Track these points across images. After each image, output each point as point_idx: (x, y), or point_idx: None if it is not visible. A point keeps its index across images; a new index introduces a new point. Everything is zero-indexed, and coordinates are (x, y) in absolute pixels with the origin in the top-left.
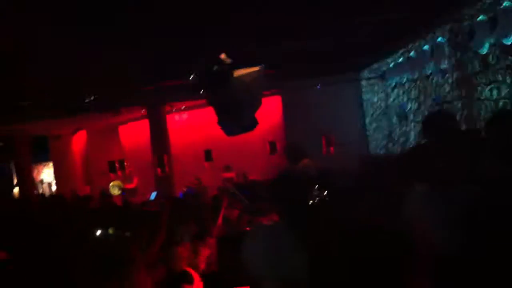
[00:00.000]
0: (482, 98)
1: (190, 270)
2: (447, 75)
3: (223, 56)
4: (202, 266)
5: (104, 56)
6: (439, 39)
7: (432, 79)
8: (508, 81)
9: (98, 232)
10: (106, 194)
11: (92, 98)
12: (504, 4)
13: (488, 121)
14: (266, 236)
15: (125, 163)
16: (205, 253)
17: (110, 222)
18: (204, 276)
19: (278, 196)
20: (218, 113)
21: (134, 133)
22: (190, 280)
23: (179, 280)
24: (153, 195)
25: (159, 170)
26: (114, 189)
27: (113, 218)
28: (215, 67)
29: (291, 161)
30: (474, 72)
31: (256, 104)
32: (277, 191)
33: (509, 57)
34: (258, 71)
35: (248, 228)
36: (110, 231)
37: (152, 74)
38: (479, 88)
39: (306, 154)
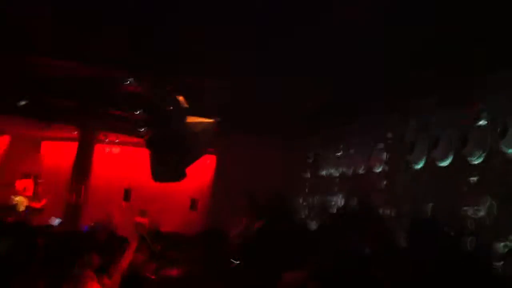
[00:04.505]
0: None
1: None
2: (379, 179)
3: (181, 98)
4: None
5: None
6: (380, 145)
7: (363, 178)
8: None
9: None
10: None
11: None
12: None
13: None
14: None
15: (39, 180)
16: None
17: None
18: None
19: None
20: (153, 156)
21: (57, 152)
22: None
23: None
24: (56, 221)
25: (73, 197)
26: (17, 204)
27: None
28: (169, 108)
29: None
30: (404, 183)
31: (196, 157)
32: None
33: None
34: (210, 123)
35: (153, 276)
36: None
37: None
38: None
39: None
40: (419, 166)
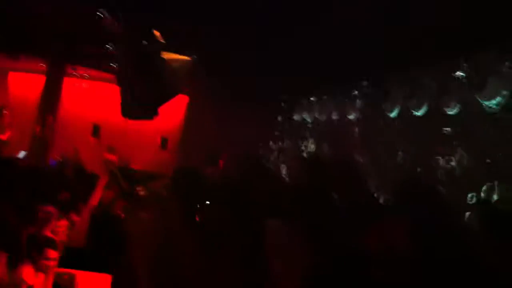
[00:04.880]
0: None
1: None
2: (352, 126)
3: (157, 33)
4: (63, 237)
5: None
6: (354, 91)
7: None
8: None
9: None
10: None
11: None
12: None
13: None
14: None
15: (5, 112)
16: (64, 224)
17: None
18: (65, 249)
19: None
20: (124, 91)
21: (25, 84)
22: (54, 247)
23: (43, 244)
24: (21, 154)
25: (39, 129)
26: None
27: None
28: (145, 43)
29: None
30: (378, 130)
31: (170, 95)
32: None
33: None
34: (188, 61)
35: (122, 215)
36: None
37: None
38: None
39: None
40: (393, 114)
